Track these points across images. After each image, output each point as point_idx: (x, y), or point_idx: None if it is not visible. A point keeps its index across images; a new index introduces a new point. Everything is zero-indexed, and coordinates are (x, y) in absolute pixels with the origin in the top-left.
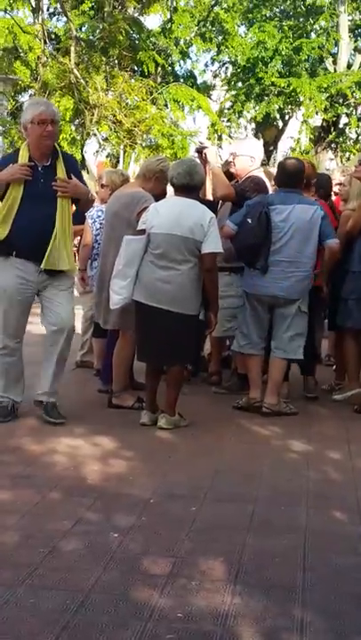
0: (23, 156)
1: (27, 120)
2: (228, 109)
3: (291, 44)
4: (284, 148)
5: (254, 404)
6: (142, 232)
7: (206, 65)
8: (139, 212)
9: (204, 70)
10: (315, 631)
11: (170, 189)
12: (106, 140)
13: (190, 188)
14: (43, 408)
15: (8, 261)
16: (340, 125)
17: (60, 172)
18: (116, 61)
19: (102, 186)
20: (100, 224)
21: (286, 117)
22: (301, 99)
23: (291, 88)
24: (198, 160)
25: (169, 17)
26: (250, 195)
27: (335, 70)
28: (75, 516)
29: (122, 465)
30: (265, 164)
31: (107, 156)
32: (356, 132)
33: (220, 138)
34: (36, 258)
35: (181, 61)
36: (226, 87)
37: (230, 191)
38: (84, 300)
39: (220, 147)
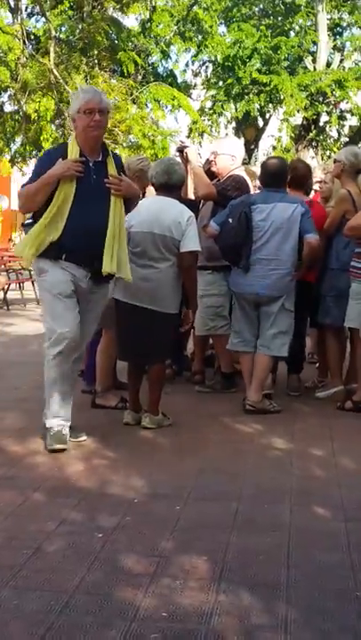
0: (73, 151)
1: (74, 111)
2: (209, 109)
3: (269, 42)
4: (265, 147)
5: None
6: None
7: (187, 64)
8: None
9: (185, 70)
10: (299, 628)
11: (151, 189)
12: None
13: (169, 186)
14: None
15: (58, 264)
16: (321, 124)
17: (112, 168)
18: (96, 61)
19: None
20: None
21: (267, 116)
22: (283, 96)
23: (272, 85)
24: (180, 159)
25: (148, 16)
26: (231, 194)
27: (315, 69)
28: (59, 517)
29: (106, 465)
30: (246, 162)
31: None
32: (336, 130)
33: (201, 136)
34: (87, 261)
35: (162, 61)
36: (205, 86)
37: (211, 190)
38: None
39: (201, 145)
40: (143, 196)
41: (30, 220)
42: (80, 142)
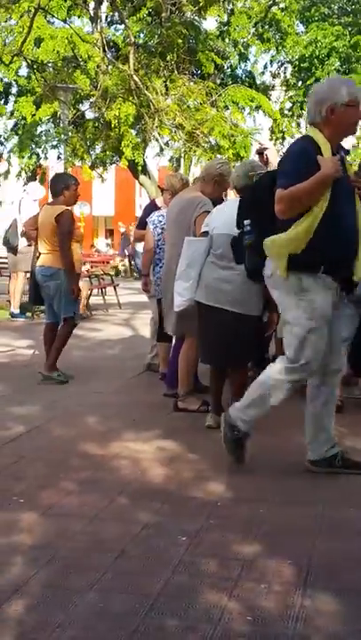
0: (326, 147)
1: (338, 100)
2: (288, 110)
3: (349, 41)
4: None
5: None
6: (206, 235)
7: (265, 66)
8: (197, 217)
9: (263, 72)
10: None
11: (230, 193)
12: (167, 143)
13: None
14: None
15: (319, 280)
16: None
17: (348, 166)
18: (175, 65)
19: (162, 190)
20: (162, 229)
21: None
22: None
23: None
24: (259, 161)
25: (226, 19)
26: None
27: None
28: (142, 520)
29: (188, 468)
30: None
31: (169, 160)
32: None
33: (282, 138)
34: (343, 270)
35: (240, 63)
36: (285, 87)
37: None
38: (152, 304)
39: (283, 146)
40: (221, 201)
41: None
42: (332, 136)
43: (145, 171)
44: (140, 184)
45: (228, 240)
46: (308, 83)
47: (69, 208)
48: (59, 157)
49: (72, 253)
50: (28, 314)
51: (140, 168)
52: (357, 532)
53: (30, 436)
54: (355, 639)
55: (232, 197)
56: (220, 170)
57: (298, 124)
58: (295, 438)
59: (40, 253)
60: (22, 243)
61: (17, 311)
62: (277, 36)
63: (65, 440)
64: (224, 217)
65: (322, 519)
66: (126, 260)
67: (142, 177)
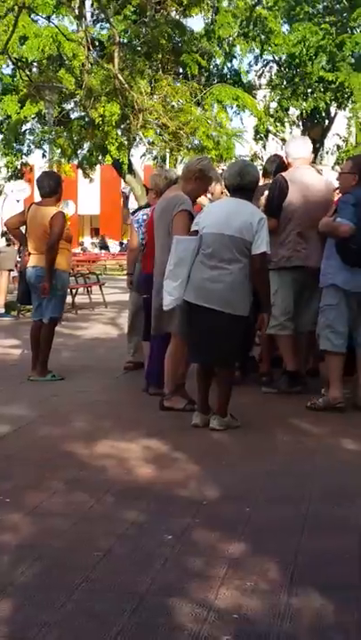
0: None
1: None
2: (274, 109)
3: (334, 39)
4: (329, 146)
5: (336, 405)
6: (195, 234)
7: (250, 65)
8: (174, 216)
9: (247, 71)
10: None
11: (216, 190)
12: (152, 143)
13: (241, 188)
14: None
15: None
16: None
17: None
18: (160, 65)
19: (147, 190)
20: (146, 228)
21: (332, 114)
22: (353, 91)
23: (338, 82)
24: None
25: (211, 18)
26: None
27: None
28: (128, 520)
29: (174, 467)
30: (312, 161)
31: (154, 159)
32: None
33: (266, 137)
34: None
35: (226, 62)
36: (270, 87)
37: None
38: (131, 297)
39: (265, 148)
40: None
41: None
42: None
43: (131, 170)
44: (127, 183)
45: (218, 239)
46: (296, 80)
47: (61, 209)
48: (44, 156)
49: (64, 253)
50: (13, 312)
51: (125, 167)
52: (342, 529)
53: (16, 435)
54: (341, 636)
55: (217, 195)
56: (199, 166)
57: (282, 124)
58: (281, 437)
59: (30, 253)
60: (1, 242)
61: (2, 310)
62: (263, 36)
63: (51, 439)
64: (214, 216)
65: (307, 517)
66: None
67: (128, 176)
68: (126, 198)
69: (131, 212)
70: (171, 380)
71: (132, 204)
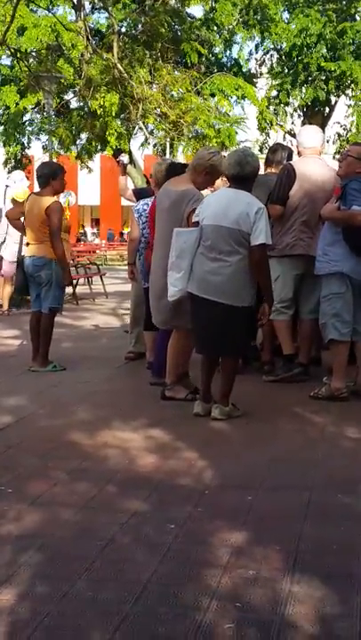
0: None
1: None
2: (275, 98)
3: (335, 28)
4: (329, 135)
5: (340, 395)
6: (197, 225)
7: (250, 53)
8: (190, 213)
9: (248, 59)
10: None
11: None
12: (152, 132)
13: (241, 178)
14: None
15: None
16: None
17: None
18: (159, 54)
19: (147, 179)
20: (147, 217)
21: (333, 102)
22: (354, 79)
23: (340, 71)
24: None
25: (210, 6)
26: None
27: None
28: (131, 509)
29: (176, 456)
30: None
31: (153, 146)
32: None
33: (268, 125)
34: None
35: (226, 50)
36: (271, 75)
37: None
38: (133, 288)
39: (269, 136)
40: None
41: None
42: None
43: (131, 160)
44: (127, 173)
45: (217, 231)
46: (298, 68)
47: (58, 199)
48: (44, 147)
49: (63, 244)
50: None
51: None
52: (344, 517)
53: (18, 425)
54: (342, 623)
55: (220, 186)
56: (211, 161)
57: (284, 113)
58: (283, 425)
59: (28, 243)
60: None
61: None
62: (264, 24)
63: (53, 430)
64: (213, 208)
65: (309, 505)
66: None
67: (129, 166)
68: (124, 167)
69: (130, 189)
70: (173, 370)
71: (130, 185)
